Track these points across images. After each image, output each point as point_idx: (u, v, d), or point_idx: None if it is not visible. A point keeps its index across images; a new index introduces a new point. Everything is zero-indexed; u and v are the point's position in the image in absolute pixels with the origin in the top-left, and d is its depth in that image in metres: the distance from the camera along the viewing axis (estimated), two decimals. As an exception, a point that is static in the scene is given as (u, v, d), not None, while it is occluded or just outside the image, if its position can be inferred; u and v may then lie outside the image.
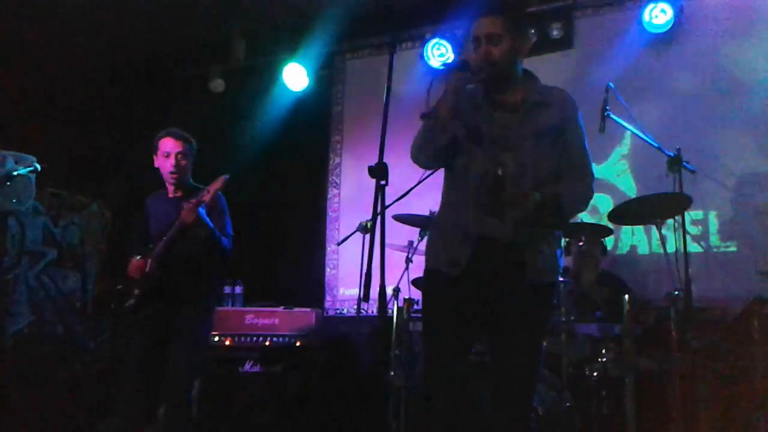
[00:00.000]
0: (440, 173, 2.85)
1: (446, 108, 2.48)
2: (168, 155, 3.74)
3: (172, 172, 3.75)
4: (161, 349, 3.62)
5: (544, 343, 2.78)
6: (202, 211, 3.58)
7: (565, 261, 4.64)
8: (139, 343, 3.66)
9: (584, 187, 2.70)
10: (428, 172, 3.11)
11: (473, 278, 2.58)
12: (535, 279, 2.59)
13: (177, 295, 3.66)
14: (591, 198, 2.75)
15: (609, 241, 4.85)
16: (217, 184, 3.60)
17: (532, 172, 2.58)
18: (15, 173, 4.29)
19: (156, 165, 3.82)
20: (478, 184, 2.60)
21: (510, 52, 2.58)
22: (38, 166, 4.36)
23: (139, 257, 3.67)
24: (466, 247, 2.59)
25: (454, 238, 2.63)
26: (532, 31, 2.79)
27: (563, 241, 3.26)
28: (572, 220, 4.01)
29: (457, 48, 5.64)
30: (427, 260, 2.75)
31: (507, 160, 2.57)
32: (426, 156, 2.63)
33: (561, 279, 3.96)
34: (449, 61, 3.68)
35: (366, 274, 2.34)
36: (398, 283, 4.48)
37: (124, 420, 3.61)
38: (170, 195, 3.83)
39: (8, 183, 4.37)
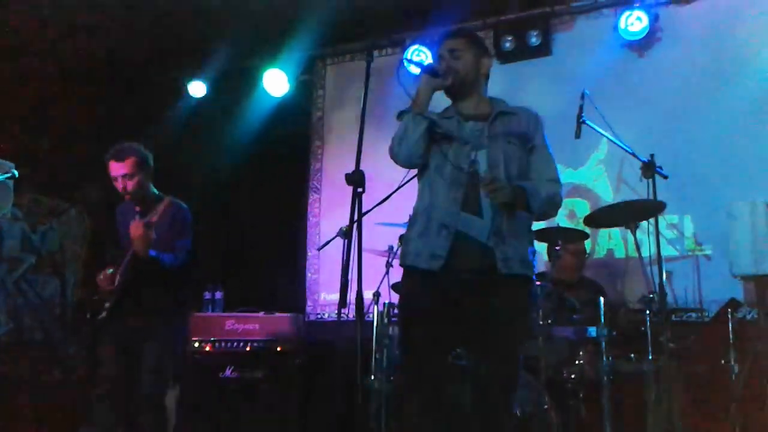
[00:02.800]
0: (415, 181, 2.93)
1: (420, 103, 2.73)
2: (115, 179, 3.76)
3: (124, 194, 3.78)
4: (131, 358, 3.65)
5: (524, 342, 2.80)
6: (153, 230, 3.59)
7: (545, 266, 4.72)
8: (110, 351, 3.70)
9: (553, 189, 2.80)
10: (408, 176, 3.16)
11: (452, 272, 2.66)
12: (507, 271, 2.65)
13: (144, 308, 3.69)
14: (560, 203, 2.86)
15: (586, 245, 4.91)
16: (162, 205, 3.61)
17: (503, 168, 2.72)
18: (-7, 180, 4.27)
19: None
20: (452, 180, 2.73)
21: (470, 64, 2.86)
22: (16, 173, 4.34)
23: (111, 270, 3.71)
24: (445, 241, 2.68)
25: (433, 233, 2.72)
26: (489, 56, 2.97)
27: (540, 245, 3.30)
28: (548, 224, 4.05)
29: (437, 54, 5.68)
30: (404, 258, 2.81)
31: (479, 158, 2.74)
32: (405, 149, 2.76)
33: (539, 282, 4.02)
34: (423, 62, 3.75)
35: (342, 282, 2.36)
36: (378, 287, 4.51)
37: (101, 428, 3.62)
38: (136, 207, 3.83)
39: (-14, 189, 4.34)
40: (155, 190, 3.91)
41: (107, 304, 3.68)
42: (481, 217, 2.67)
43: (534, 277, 2.83)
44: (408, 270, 2.79)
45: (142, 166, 3.79)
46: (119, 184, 3.75)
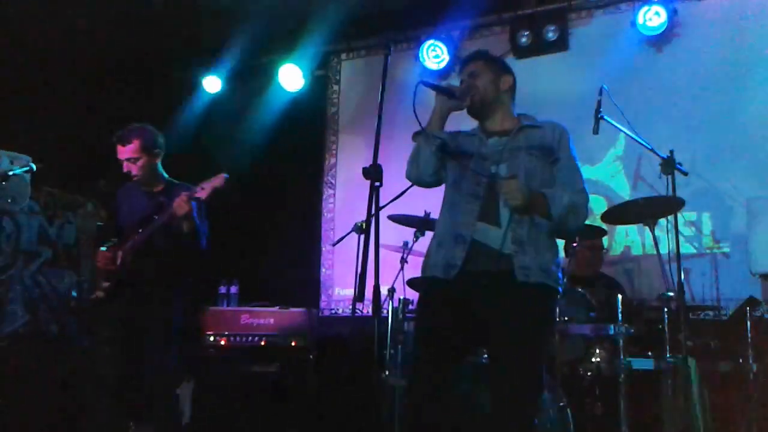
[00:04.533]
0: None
1: (433, 123, 2.78)
2: (121, 162, 3.76)
3: (134, 175, 3.77)
4: (133, 346, 3.62)
5: (545, 356, 2.79)
6: (194, 204, 3.57)
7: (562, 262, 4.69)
8: (111, 340, 3.71)
9: (577, 198, 2.74)
10: None
11: (467, 278, 2.65)
12: (525, 279, 2.61)
13: (147, 289, 3.65)
14: (585, 213, 2.81)
15: (603, 242, 4.88)
16: (216, 181, 3.58)
17: (524, 180, 2.67)
18: (10, 173, 4.29)
19: None
20: (470, 193, 2.76)
21: (490, 83, 2.87)
22: (34, 166, 4.36)
23: (104, 248, 3.68)
24: (461, 250, 2.68)
25: (449, 242, 2.73)
26: (509, 73, 2.95)
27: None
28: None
29: (453, 49, 5.66)
30: (424, 270, 2.83)
31: (499, 171, 2.74)
32: (417, 168, 2.82)
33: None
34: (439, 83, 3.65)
35: (360, 274, 2.35)
36: (393, 283, 4.49)
37: (106, 420, 3.62)
38: (143, 189, 3.82)
39: (3, 183, 4.36)
40: (164, 173, 3.89)
41: (106, 284, 3.64)
42: (498, 227, 2.66)
43: (559, 288, 2.75)
44: (426, 280, 2.82)
45: (147, 148, 3.75)
46: (125, 167, 3.75)
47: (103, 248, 3.71)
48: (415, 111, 2.63)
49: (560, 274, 2.76)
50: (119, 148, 3.74)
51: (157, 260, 3.67)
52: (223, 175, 3.63)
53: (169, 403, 3.67)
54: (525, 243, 2.65)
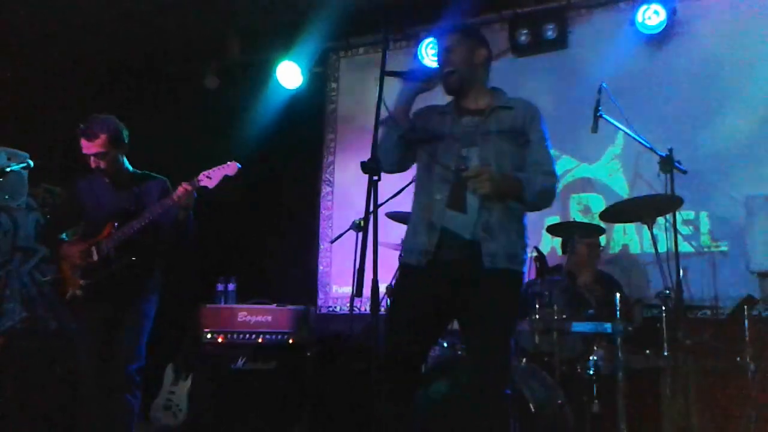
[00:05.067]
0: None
1: (397, 111, 2.77)
2: (88, 157, 3.61)
3: (101, 170, 3.64)
4: (106, 340, 3.58)
5: (514, 333, 2.87)
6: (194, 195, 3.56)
7: (560, 259, 4.70)
8: (87, 335, 3.61)
9: (548, 181, 2.81)
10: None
11: (438, 267, 2.72)
12: (492, 266, 2.68)
13: (132, 285, 3.60)
14: (554, 195, 2.85)
15: (601, 240, 4.88)
16: (226, 170, 3.56)
17: (495, 165, 2.73)
18: (8, 169, 4.28)
19: None
20: (440, 178, 2.78)
21: (465, 58, 2.88)
22: (31, 163, 4.35)
23: (71, 240, 3.64)
24: (433, 238, 2.75)
25: (423, 229, 2.79)
26: (485, 47, 2.96)
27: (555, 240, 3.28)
28: (563, 218, 4.01)
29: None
30: (400, 256, 2.90)
31: (470, 155, 2.77)
32: (382, 155, 2.75)
33: (556, 277, 4.01)
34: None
35: (359, 269, 2.35)
36: (391, 281, 4.49)
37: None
38: (109, 181, 3.72)
39: (1, 179, 4.35)
40: (129, 166, 3.78)
41: (82, 282, 3.56)
42: (465, 213, 2.71)
43: (524, 270, 2.83)
44: (402, 266, 2.88)
45: (115, 142, 3.62)
46: (92, 163, 3.60)
47: (63, 237, 3.65)
48: (384, 103, 2.63)
49: (525, 256, 2.83)
50: (84, 142, 3.57)
51: (142, 254, 3.61)
52: (235, 164, 3.58)
53: (127, 387, 3.57)
54: (495, 229, 2.72)
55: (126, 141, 3.71)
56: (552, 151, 2.88)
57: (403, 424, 2.69)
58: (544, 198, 2.81)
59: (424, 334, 2.80)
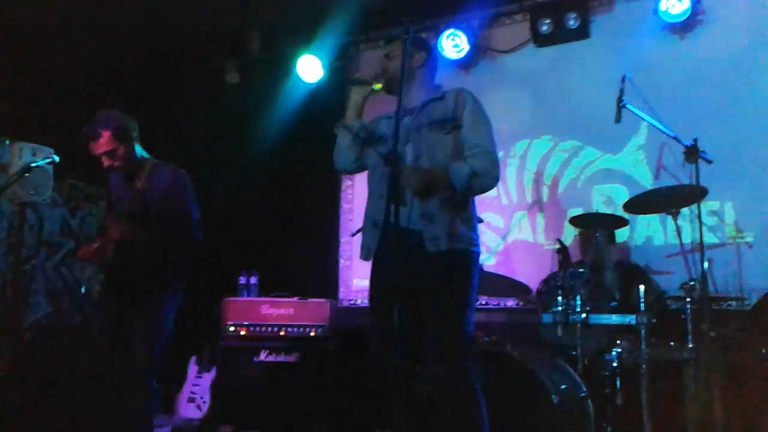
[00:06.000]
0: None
1: (348, 114, 3.11)
2: (99, 158, 3.57)
3: (108, 168, 3.60)
4: (118, 341, 3.54)
5: (468, 313, 2.87)
6: (181, 182, 3.58)
7: (580, 252, 4.67)
8: (103, 332, 3.60)
9: (481, 163, 2.86)
10: None
11: (385, 261, 2.90)
12: (435, 249, 2.82)
13: (131, 283, 3.53)
14: (493, 174, 2.91)
15: (624, 232, 4.84)
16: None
17: (427, 157, 2.90)
18: (33, 165, 4.32)
19: None
20: (381, 177, 2.98)
21: (399, 65, 2.94)
22: (56, 158, 4.40)
23: (96, 244, 3.59)
24: (375, 235, 2.94)
25: (368, 229, 3.01)
26: (423, 49, 3.19)
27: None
28: (586, 211, 3.97)
29: (473, 38, 5.63)
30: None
31: (405, 150, 2.93)
32: (336, 158, 3.16)
33: (578, 269, 3.97)
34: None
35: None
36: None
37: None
38: (125, 177, 3.69)
39: (26, 175, 4.39)
40: (144, 154, 3.70)
41: (101, 277, 3.63)
42: (404, 205, 2.80)
43: (473, 249, 2.91)
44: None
45: (120, 137, 3.54)
46: (104, 163, 3.56)
47: (95, 243, 3.63)
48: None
49: (474, 235, 2.93)
50: (91, 145, 3.51)
51: (138, 253, 3.52)
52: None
53: (144, 392, 3.47)
54: (435, 216, 2.85)
55: (133, 133, 3.63)
56: (493, 131, 2.98)
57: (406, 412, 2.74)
58: (479, 183, 2.86)
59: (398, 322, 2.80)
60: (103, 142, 3.51)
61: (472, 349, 2.90)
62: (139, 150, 3.71)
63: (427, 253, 2.82)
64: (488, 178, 2.89)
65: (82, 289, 3.73)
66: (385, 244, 2.88)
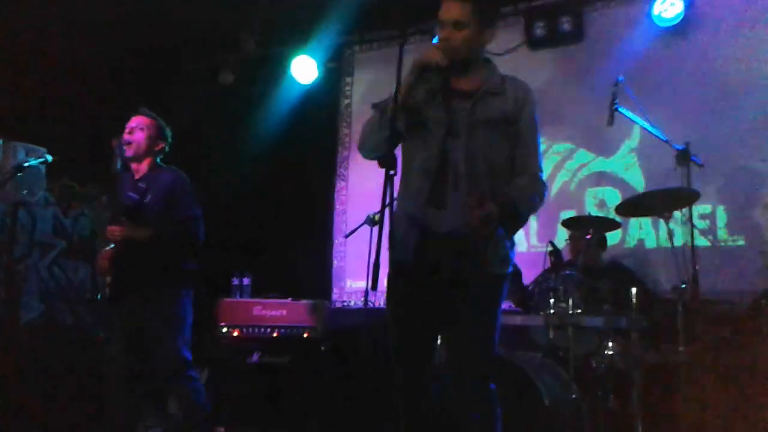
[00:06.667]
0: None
1: (394, 103, 2.48)
2: (125, 129, 3.70)
3: (125, 141, 3.66)
4: (135, 343, 3.57)
5: (497, 332, 2.67)
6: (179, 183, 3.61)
7: (572, 254, 4.68)
8: (116, 332, 3.64)
9: (536, 184, 2.64)
10: None
11: (421, 266, 2.57)
12: (476, 267, 2.54)
13: (137, 282, 3.57)
14: (543, 199, 2.66)
15: (616, 235, 4.86)
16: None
17: (483, 162, 2.56)
18: (26, 164, 4.32)
19: None
20: (422, 169, 2.60)
21: (472, 40, 2.57)
22: (49, 158, 4.39)
23: (106, 249, 3.63)
24: (413, 235, 2.58)
25: (404, 226, 2.61)
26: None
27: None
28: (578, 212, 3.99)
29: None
30: (389, 250, 2.63)
31: (456, 147, 2.55)
32: (368, 147, 2.68)
33: (568, 272, 3.99)
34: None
35: (374, 263, 2.33)
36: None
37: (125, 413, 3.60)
38: (134, 176, 3.73)
39: (19, 174, 4.39)
40: (159, 163, 3.78)
41: (108, 279, 3.60)
42: (447, 209, 2.54)
43: (508, 271, 2.66)
44: (390, 263, 2.63)
45: (155, 129, 3.72)
46: (125, 136, 3.67)
47: (106, 249, 3.65)
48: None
49: (513, 254, 2.66)
50: (135, 117, 3.72)
51: (140, 251, 3.55)
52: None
53: (183, 387, 3.55)
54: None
55: (164, 139, 3.77)
56: (542, 145, 2.74)
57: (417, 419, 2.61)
58: (535, 209, 2.69)
59: (425, 330, 2.67)
60: (143, 120, 3.70)
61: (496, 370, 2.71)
62: (158, 160, 3.80)
63: (467, 270, 2.54)
64: (540, 204, 2.67)
65: (98, 296, 3.69)
66: (424, 250, 2.56)
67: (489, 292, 2.61)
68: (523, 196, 2.59)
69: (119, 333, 3.65)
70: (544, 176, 2.71)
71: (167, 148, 3.80)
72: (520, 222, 2.65)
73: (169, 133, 3.81)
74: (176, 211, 3.62)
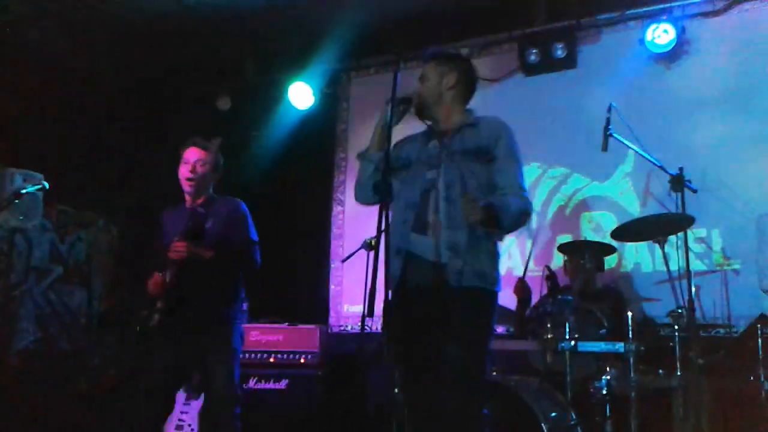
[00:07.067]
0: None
1: (371, 144, 2.91)
2: (187, 163, 3.69)
3: (188, 178, 3.66)
4: (183, 371, 3.53)
5: (487, 352, 2.77)
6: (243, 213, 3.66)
7: (569, 279, 4.69)
8: (160, 364, 3.49)
9: (522, 203, 2.79)
10: None
11: (407, 291, 2.75)
12: (458, 285, 2.68)
13: (202, 305, 3.49)
14: (530, 214, 2.86)
15: (613, 259, 4.87)
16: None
17: (460, 186, 2.76)
18: (23, 191, 4.33)
19: (179, 175, 3.76)
20: (406, 204, 2.84)
21: (434, 87, 2.96)
22: (46, 184, 4.40)
23: (160, 274, 3.49)
24: (398, 263, 2.77)
25: (392, 256, 2.71)
26: (456, 70, 3.00)
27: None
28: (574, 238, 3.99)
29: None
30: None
31: (435, 177, 2.81)
32: (358, 191, 2.97)
33: (564, 296, 3.99)
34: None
35: (370, 289, 2.35)
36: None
37: None
38: (188, 205, 3.71)
39: (16, 201, 4.40)
40: (213, 193, 3.82)
41: (159, 304, 3.43)
42: (429, 236, 2.75)
43: (496, 289, 2.79)
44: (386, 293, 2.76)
45: (215, 164, 3.75)
46: (188, 167, 3.66)
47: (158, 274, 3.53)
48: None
49: (497, 275, 2.80)
50: (194, 150, 3.71)
51: (205, 275, 3.50)
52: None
53: (232, 426, 3.50)
54: (462, 250, 2.71)
55: (220, 172, 3.83)
56: (524, 168, 2.90)
57: None
58: (520, 221, 2.81)
59: (413, 351, 2.78)
60: (205, 155, 3.71)
61: (487, 391, 2.80)
62: (211, 189, 3.83)
63: (450, 289, 2.68)
64: (526, 219, 2.86)
65: (138, 330, 3.54)
66: (410, 276, 2.76)
67: (471, 306, 2.70)
68: (504, 202, 2.73)
69: (161, 363, 3.50)
70: (540, 201, 2.81)
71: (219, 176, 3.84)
72: (503, 223, 2.72)
73: (222, 162, 3.82)
74: (237, 237, 3.67)
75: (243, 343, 3.71)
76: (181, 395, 5.40)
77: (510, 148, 2.86)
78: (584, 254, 4.28)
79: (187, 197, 3.73)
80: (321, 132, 6.54)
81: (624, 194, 5.21)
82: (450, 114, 2.96)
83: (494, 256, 2.82)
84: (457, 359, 2.67)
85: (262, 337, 5.17)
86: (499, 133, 2.87)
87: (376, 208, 2.52)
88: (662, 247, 3.93)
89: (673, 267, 3.90)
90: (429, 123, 3.00)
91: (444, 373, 2.71)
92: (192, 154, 3.71)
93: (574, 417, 3.63)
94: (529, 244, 5.44)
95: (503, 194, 2.78)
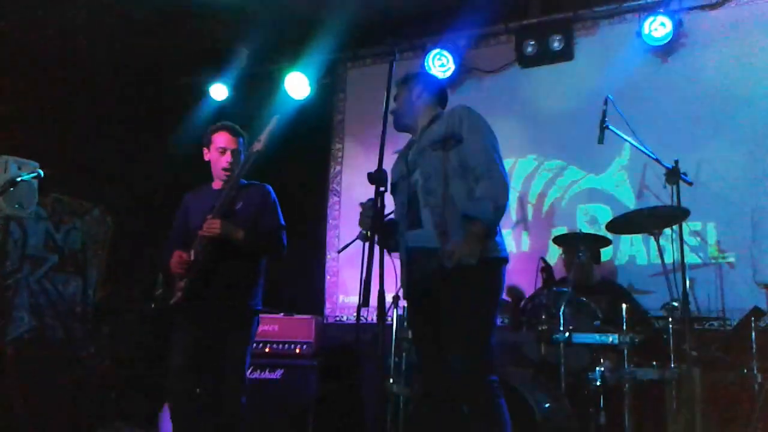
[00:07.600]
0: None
1: (362, 221, 3.04)
2: (224, 151, 3.67)
3: (226, 169, 3.65)
4: (205, 350, 3.46)
5: (490, 323, 2.93)
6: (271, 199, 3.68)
7: (564, 271, 4.70)
8: (181, 340, 3.46)
9: (493, 185, 2.91)
10: None
11: (411, 281, 3.07)
12: (450, 264, 2.83)
13: (227, 286, 3.49)
14: (506, 193, 2.94)
15: (608, 251, 4.88)
16: (269, 128, 3.55)
17: (435, 175, 2.97)
18: (18, 179, 4.32)
19: (207, 158, 3.74)
20: (400, 210, 3.15)
21: (404, 102, 3.26)
22: (41, 172, 4.40)
23: (184, 253, 3.49)
24: (403, 256, 3.10)
25: (400, 253, 3.13)
26: (418, 83, 3.31)
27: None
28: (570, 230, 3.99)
29: (458, 58, 5.68)
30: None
31: (416, 177, 3.05)
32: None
33: (560, 288, 4.01)
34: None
35: (365, 279, 2.36)
36: (397, 291, 4.50)
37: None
38: (215, 187, 3.70)
39: (11, 189, 4.39)
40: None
41: (182, 283, 3.44)
42: (422, 228, 2.99)
43: (494, 255, 2.91)
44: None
45: (245, 148, 3.74)
46: (227, 157, 3.66)
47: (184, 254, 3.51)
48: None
49: (497, 239, 2.96)
50: (228, 136, 3.69)
51: (231, 254, 3.50)
52: (275, 117, 3.62)
53: (239, 415, 3.49)
54: (451, 232, 2.90)
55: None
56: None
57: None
58: (501, 211, 2.92)
59: (425, 332, 3.06)
60: (238, 143, 3.72)
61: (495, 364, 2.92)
62: None
63: (446, 269, 2.84)
64: (504, 200, 2.92)
65: (151, 305, 3.55)
66: (413, 267, 3.05)
67: (465, 279, 2.83)
68: (478, 207, 2.88)
69: (181, 344, 3.47)
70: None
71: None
72: (489, 222, 2.89)
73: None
74: (268, 220, 3.70)
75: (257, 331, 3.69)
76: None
77: (473, 125, 3.02)
78: (579, 246, 4.29)
79: (217, 181, 3.73)
80: (317, 122, 6.52)
81: (620, 187, 5.21)
82: (421, 118, 3.23)
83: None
84: (461, 323, 2.84)
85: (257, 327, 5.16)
86: (461, 115, 3.05)
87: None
88: (657, 240, 3.95)
89: (668, 259, 3.91)
90: (410, 134, 3.29)
91: (448, 338, 2.87)
92: (226, 141, 3.69)
93: (568, 408, 3.64)
94: (525, 236, 5.46)
95: (476, 177, 2.93)
